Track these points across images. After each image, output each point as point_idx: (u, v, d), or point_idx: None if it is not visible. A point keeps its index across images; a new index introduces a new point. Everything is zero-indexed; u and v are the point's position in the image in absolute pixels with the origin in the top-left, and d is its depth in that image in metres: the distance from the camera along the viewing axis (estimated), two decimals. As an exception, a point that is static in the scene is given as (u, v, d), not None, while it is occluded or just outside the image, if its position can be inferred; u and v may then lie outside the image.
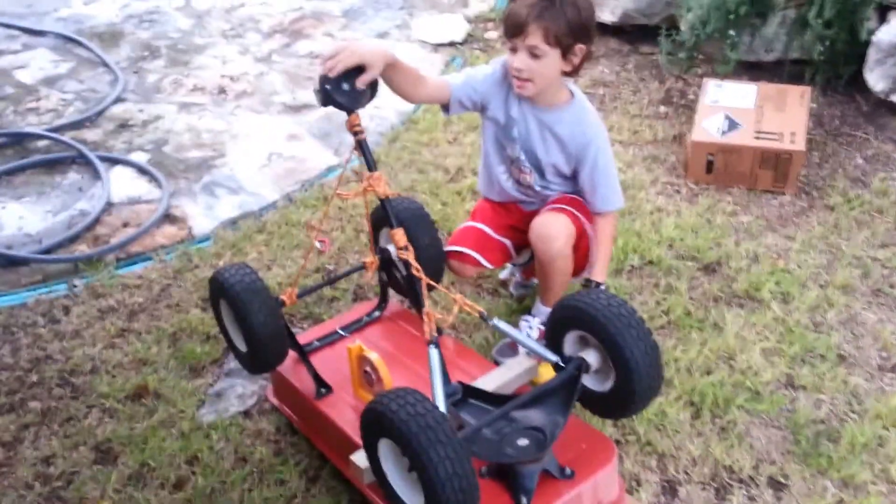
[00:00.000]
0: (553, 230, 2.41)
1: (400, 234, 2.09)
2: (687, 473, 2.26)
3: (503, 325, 2.08)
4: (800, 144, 3.24)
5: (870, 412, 2.41)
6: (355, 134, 2.10)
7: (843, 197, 3.27)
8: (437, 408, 1.71)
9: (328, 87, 2.04)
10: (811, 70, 3.78)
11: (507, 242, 2.61)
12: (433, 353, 1.98)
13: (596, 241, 2.53)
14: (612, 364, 1.92)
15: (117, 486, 2.27)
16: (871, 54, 3.50)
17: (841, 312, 2.76)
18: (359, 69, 2.06)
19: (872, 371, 2.56)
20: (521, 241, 2.61)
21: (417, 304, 2.10)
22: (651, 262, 2.97)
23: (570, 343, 2.03)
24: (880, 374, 2.55)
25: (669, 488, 2.23)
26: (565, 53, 2.27)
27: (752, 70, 3.96)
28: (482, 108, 2.45)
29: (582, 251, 2.50)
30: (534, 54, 2.25)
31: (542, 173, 2.51)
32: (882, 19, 3.56)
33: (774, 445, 2.33)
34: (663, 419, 2.39)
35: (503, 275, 2.92)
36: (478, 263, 2.56)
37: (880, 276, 2.91)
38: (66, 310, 2.87)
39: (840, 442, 2.33)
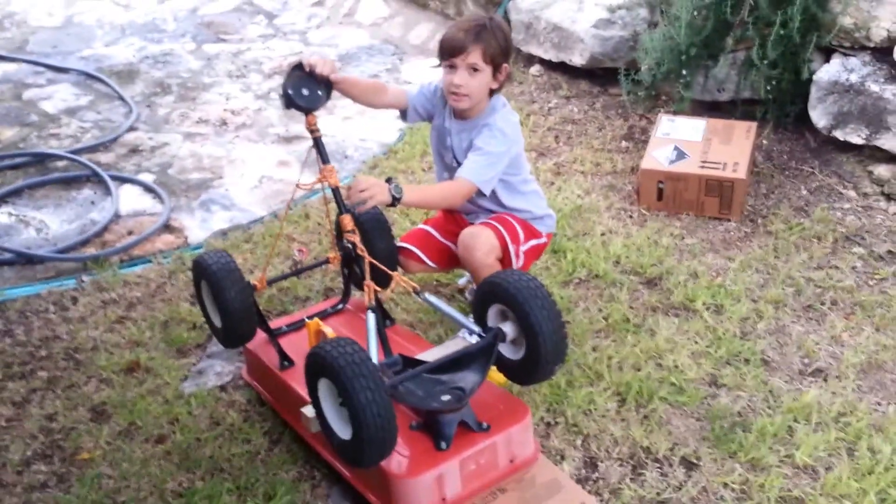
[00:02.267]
0: (474, 241, 2.79)
1: (347, 219, 2.53)
2: (607, 452, 2.60)
3: (433, 300, 2.50)
4: (741, 173, 3.62)
5: (783, 407, 2.73)
6: (312, 132, 2.59)
7: (786, 224, 3.63)
8: (364, 351, 2.12)
9: (290, 92, 2.54)
10: (762, 108, 4.14)
11: (452, 246, 2.97)
12: (370, 317, 2.40)
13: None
14: (522, 329, 2.31)
15: (109, 439, 2.70)
16: (814, 93, 3.85)
17: (770, 324, 3.10)
18: (316, 77, 2.57)
19: (793, 374, 2.88)
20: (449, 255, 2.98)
21: (361, 277, 2.52)
22: (597, 276, 3.34)
23: (492, 317, 2.41)
24: (800, 377, 2.88)
25: (590, 463, 2.57)
26: (495, 72, 2.73)
27: (708, 108, 4.35)
28: (430, 118, 2.90)
29: (505, 266, 2.84)
30: (473, 70, 2.70)
31: None
32: (827, 60, 3.94)
33: (691, 432, 2.66)
34: (591, 406, 2.74)
35: (461, 282, 3.31)
36: (420, 260, 2.96)
37: (812, 293, 3.24)
38: (74, 300, 3.34)
39: (752, 431, 2.64)
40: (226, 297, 2.58)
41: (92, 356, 3.05)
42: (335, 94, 2.67)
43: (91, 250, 3.65)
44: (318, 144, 2.61)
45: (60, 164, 4.30)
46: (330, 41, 5.71)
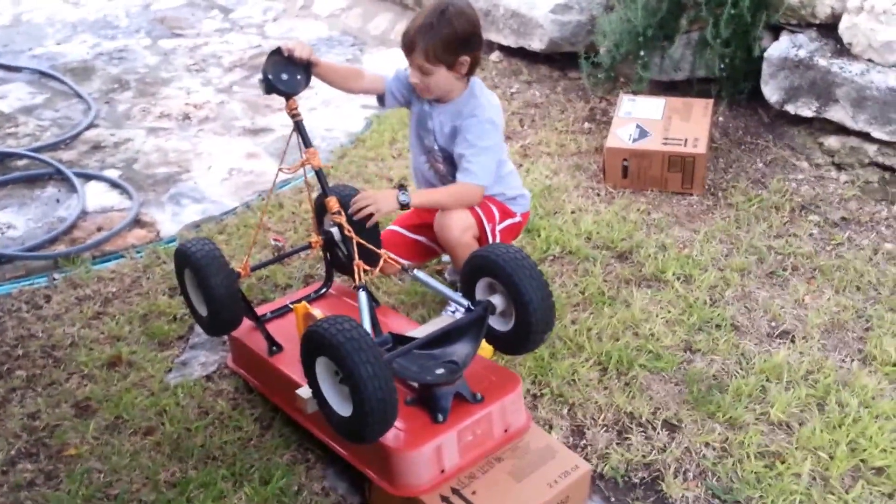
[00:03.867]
0: (449, 221, 2.81)
1: (333, 202, 2.54)
2: (593, 419, 2.66)
3: (422, 276, 2.52)
4: (701, 148, 3.73)
5: (755, 368, 2.84)
6: (293, 116, 2.60)
7: (745, 196, 3.74)
8: (361, 327, 2.14)
9: (270, 76, 2.54)
10: (717, 86, 4.26)
11: (423, 239, 3.02)
12: (361, 295, 2.41)
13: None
14: (511, 301, 2.35)
15: (95, 434, 2.64)
16: (765, 69, 3.97)
17: (737, 291, 3.20)
18: (295, 62, 2.58)
19: (761, 338, 2.99)
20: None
21: (344, 260, 2.53)
22: (570, 252, 3.40)
23: (480, 290, 2.45)
24: (768, 339, 2.99)
25: (577, 431, 2.63)
26: (450, 66, 2.73)
27: (665, 88, 4.45)
28: (408, 103, 2.91)
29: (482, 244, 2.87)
30: (422, 71, 2.73)
31: (453, 164, 2.90)
32: (776, 38, 4.06)
33: (671, 396, 2.74)
34: (574, 376, 2.80)
35: (444, 258, 3.30)
36: (394, 262, 3.00)
37: (774, 260, 3.36)
38: (48, 298, 3.26)
39: (727, 392, 2.75)
40: (211, 285, 2.55)
41: (71, 353, 2.99)
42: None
43: (61, 248, 3.57)
44: (299, 128, 2.61)
45: (21, 162, 4.21)
46: (288, 34, 5.67)
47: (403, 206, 2.64)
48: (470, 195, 2.83)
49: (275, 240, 3.35)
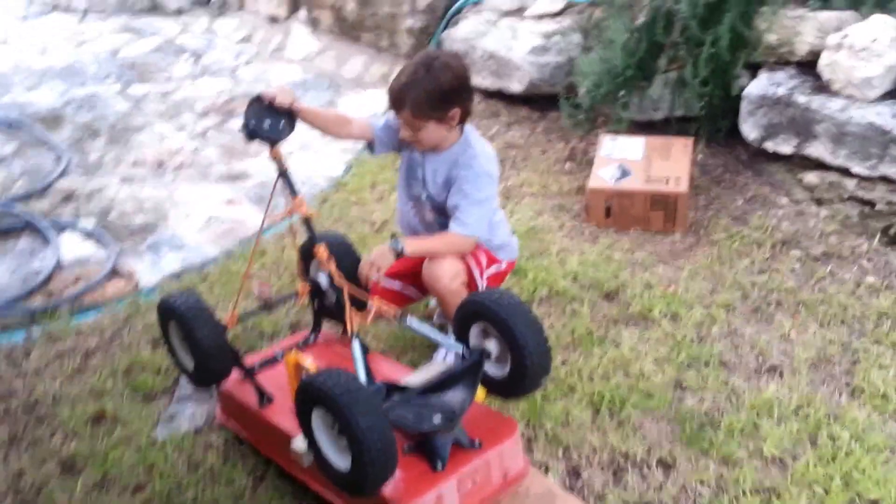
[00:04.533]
0: (438, 270, 2.84)
1: (322, 249, 2.58)
2: (588, 460, 2.70)
3: (415, 323, 2.56)
4: (683, 187, 3.81)
5: (746, 404, 2.89)
6: (279, 164, 2.63)
7: (726, 233, 3.82)
8: (357, 379, 2.17)
9: (252, 123, 2.58)
10: (695, 125, 4.35)
11: (397, 285, 3.04)
12: (355, 344, 2.45)
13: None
14: (506, 345, 2.39)
15: (83, 493, 2.64)
16: (744, 107, 4.06)
17: (723, 327, 3.26)
18: (278, 108, 2.62)
19: (750, 373, 3.05)
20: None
21: (340, 307, 2.56)
22: (558, 293, 3.46)
23: (474, 336, 2.50)
24: (756, 375, 3.05)
25: (574, 472, 2.66)
26: (440, 120, 2.76)
27: (644, 128, 4.51)
28: (398, 149, 2.96)
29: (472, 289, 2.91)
30: (412, 127, 2.77)
31: (441, 213, 2.94)
32: (753, 76, 4.15)
33: (664, 435, 2.79)
34: (568, 417, 2.84)
35: (431, 304, 3.37)
36: (397, 292, 3.02)
37: (758, 296, 3.43)
38: (27, 353, 3.26)
39: (720, 428, 2.79)
40: (198, 337, 2.57)
41: (54, 409, 2.98)
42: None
43: (37, 301, 3.57)
44: (285, 176, 2.65)
45: (-9, 215, 4.20)
46: (261, 77, 5.74)
47: (399, 254, 2.69)
48: (462, 246, 2.87)
49: (260, 285, 3.37)
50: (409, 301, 3.12)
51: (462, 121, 2.83)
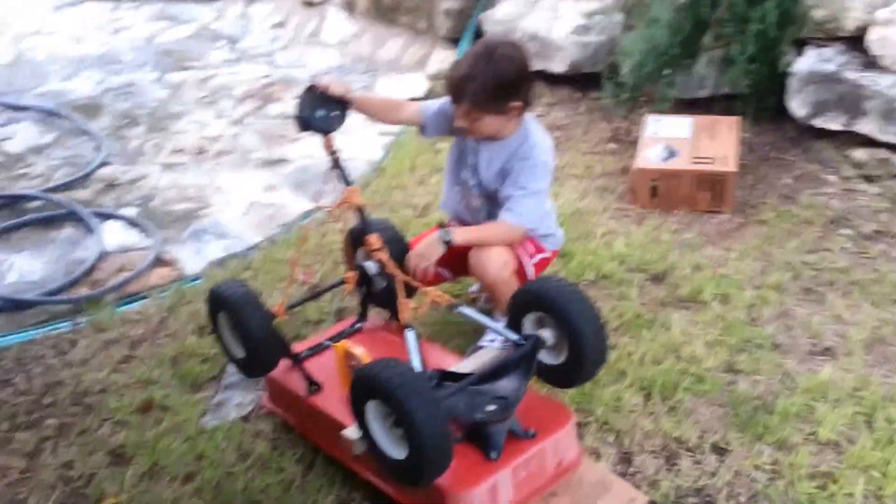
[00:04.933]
0: (487, 259, 2.77)
1: (374, 238, 2.53)
2: (640, 445, 2.64)
3: (469, 311, 2.51)
4: (731, 166, 3.74)
5: (800, 387, 2.81)
6: (331, 154, 2.58)
7: (775, 212, 3.75)
8: (413, 369, 2.13)
9: (305, 114, 2.53)
10: (741, 102, 4.27)
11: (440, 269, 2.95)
12: (409, 334, 2.40)
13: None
14: (563, 333, 2.34)
15: (132, 482, 2.61)
16: (792, 84, 4.00)
17: (775, 308, 3.19)
18: (330, 98, 2.57)
19: (803, 356, 2.97)
20: (459, 262, 2.91)
21: (393, 297, 2.51)
22: (605, 276, 3.40)
23: (528, 324, 2.44)
24: (810, 357, 2.97)
25: (625, 458, 2.61)
26: (500, 112, 2.68)
27: (689, 106, 4.44)
28: (451, 133, 2.89)
29: (521, 281, 2.84)
30: (470, 118, 2.69)
31: (490, 201, 2.89)
32: (799, 53, 4.09)
33: (717, 419, 2.72)
34: (619, 402, 2.78)
35: (471, 290, 3.33)
36: (440, 298, 2.95)
37: (809, 276, 3.35)
38: (73, 343, 3.25)
39: (774, 412, 2.73)
40: (249, 328, 2.55)
41: (101, 399, 2.97)
42: None
43: (83, 290, 3.57)
44: (338, 166, 2.60)
45: (34, 204, 4.21)
46: (298, 62, 5.73)
47: (447, 244, 2.66)
48: (511, 235, 2.82)
49: (303, 273, 3.34)
50: (441, 281, 3.05)
51: (522, 112, 2.75)
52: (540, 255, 2.97)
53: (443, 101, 2.84)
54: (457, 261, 2.93)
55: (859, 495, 2.45)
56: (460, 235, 2.73)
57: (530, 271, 2.92)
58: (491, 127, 2.74)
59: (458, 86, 2.65)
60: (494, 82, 2.62)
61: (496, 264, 2.77)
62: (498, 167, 2.82)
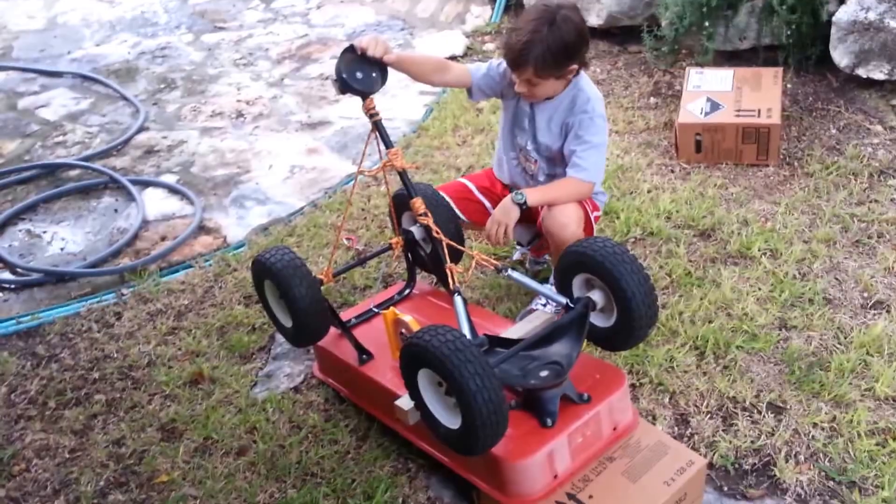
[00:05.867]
0: (566, 217, 2.70)
1: (419, 203, 2.46)
2: (696, 406, 2.59)
3: (516, 275, 2.44)
4: (776, 118, 3.61)
5: (855, 342, 2.74)
6: (371, 116, 2.49)
7: (821, 164, 3.63)
8: (465, 337, 2.05)
9: (344, 76, 2.45)
10: (783, 53, 4.14)
11: (487, 203, 2.92)
12: (457, 300, 2.34)
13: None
14: (612, 297, 2.26)
15: (185, 458, 2.57)
16: (834, 33, 3.85)
17: (825, 262, 3.10)
18: (369, 59, 2.47)
19: (856, 310, 2.89)
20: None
21: (440, 261, 2.44)
22: (652, 233, 3.31)
23: (577, 286, 2.37)
24: (863, 311, 2.89)
25: (682, 420, 2.56)
26: (560, 76, 2.63)
27: (730, 59, 4.32)
28: (501, 96, 2.81)
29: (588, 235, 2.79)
30: (530, 83, 2.62)
31: (552, 162, 2.82)
32: (841, 1, 3.92)
33: (772, 377, 2.66)
34: (672, 363, 2.72)
35: (516, 256, 3.26)
36: (487, 262, 2.89)
37: (858, 229, 3.25)
38: (118, 315, 3.20)
39: (829, 369, 2.66)
40: (296, 296, 2.47)
41: (150, 372, 2.92)
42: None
43: (125, 261, 3.51)
44: (378, 128, 2.51)
45: (73, 173, 4.14)
46: (334, 21, 5.60)
47: (521, 206, 2.62)
48: (582, 191, 2.76)
49: (347, 238, 3.27)
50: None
51: (578, 72, 2.69)
52: (595, 213, 2.91)
53: (491, 64, 2.78)
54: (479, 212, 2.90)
55: (919, 452, 2.39)
56: (533, 196, 2.67)
57: (595, 228, 2.87)
58: (550, 90, 2.69)
59: (521, 53, 2.56)
60: (558, 47, 2.55)
61: (575, 221, 2.71)
62: (558, 124, 2.75)
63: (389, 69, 2.56)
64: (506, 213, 2.65)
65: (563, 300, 2.38)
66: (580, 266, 2.33)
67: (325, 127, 4.40)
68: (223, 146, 4.32)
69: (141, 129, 4.49)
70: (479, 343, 2.32)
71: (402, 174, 2.51)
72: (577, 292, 2.38)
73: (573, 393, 2.29)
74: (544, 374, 2.25)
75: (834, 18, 3.85)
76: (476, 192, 2.95)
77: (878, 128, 3.82)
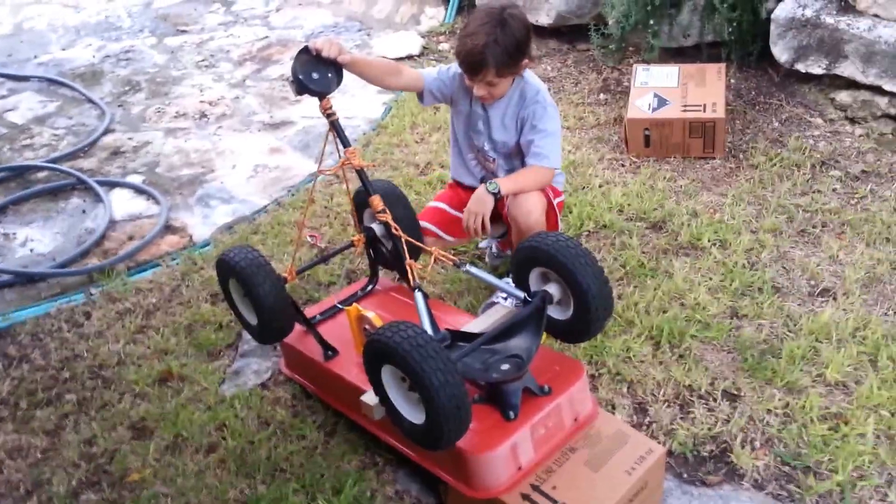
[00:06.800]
0: (530, 204, 2.63)
1: (377, 200, 2.35)
2: (654, 395, 2.51)
3: (475, 270, 2.34)
4: (720, 112, 3.55)
5: (804, 330, 2.68)
6: (328, 116, 2.38)
7: (766, 156, 3.57)
8: (427, 333, 1.94)
9: (300, 77, 2.32)
10: (725, 49, 4.08)
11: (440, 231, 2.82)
12: (418, 296, 2.24)
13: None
14: (569, 291, 2.17)
15: (156, 456, 2.44)
16: (773, 30, 3.79)
17: (772, 252, 3.04)
18: (325, 60, 2.36)
19: (804, 298, 2.84)
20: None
21: (400, 258, 2.33)
22: (605, 226, 3.23)
23: (534, 280, 2.27)
24: (811, 299, 2.83)
25: (640, 409, 2.48)
26: (514, 73, 2.57)
27: (675, 55, 4.25)
28: (451, 102, 2.72)
29: (551, 223, 2.72)
30: (490, 84, 2.55)
31: (508, 157, 2.73)
32: (779, -1, 3.89)
33: (726, 365, 2.59)
34: (629, 353, 2.64)
35: (482, 245, 3.16)
36: (436, 235, 2.80)
37: (803, 219, 3.20)
38: (87, 315, 3.04)
39: (781, 356, 2.59)
40: (260, 294, 2.34)
41: (120, 371, 2.77)
42: None
43: (93, 261, 3.34)
44: (335, 127, 2.40)
45: (41, 175, 3.95)
46: (293, 23, 5.44)
47: (496, 196, 2.55)
48: (546, 177, 2.70)
49: (311, 236, 3.14)
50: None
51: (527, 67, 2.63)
52: (558, 199, 2.84)
53: (442, 69, 2.69)
54: (459, 227, 2.77)
55: (871, 435, 2.34)
56: (506, 185, 2.60)
57: (559, 214, 2.81)
58: (505, 88, 2.61)
59: (479, 57, 2.48)
60: (513, 45, 2.49)
61: (539, 208, 2.65)
62: (512, 119, 2.67)
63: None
64: (481, 203, 2.57)
65: (521, 294, 2.28)
66: (535, 261, 2.23)
67: (287, 126, 4.25)
68: (187, 146, 4.15)
69: (107, 131, 4.31)
70: (441, 338, 2.21)
71: (360, 172, 2.40)
72: (534, 286, 2.28)
73: (534, 385, 2.19)
74: (505, 367, 2.14)
75: (773, 15, 3.79)
76: (451, 211, 2.85)
77: (819, 120, 3.77)
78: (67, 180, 3.87)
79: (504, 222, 2.80)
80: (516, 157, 2.73)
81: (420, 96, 2.71)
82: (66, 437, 2.54)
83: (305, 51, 2.38)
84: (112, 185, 3.84)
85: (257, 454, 2.41)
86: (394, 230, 2.35)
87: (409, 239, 2.34)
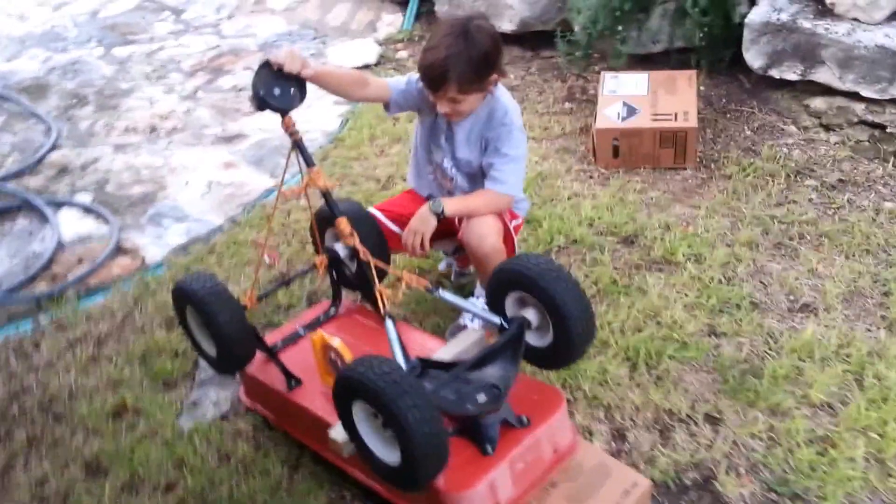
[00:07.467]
0: (483, 229, 2.52)
1: (344, 223, 2.25)
2: (632, 420, 2.43)
3: (448, 295, 2.26)
4: (692, 121, 3.48)
5: (785, 348, 2.62)
6: (291, 135, 2.27)
7: (738, 166, 3.51)
8: (401, 368, 1.86)
9: (262, 93, 2.21)
10: (695, 56, 4.02)
11: (398, 230, 2.66)
12: (389, 324, 2.14)
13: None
14: (548, 316, 2.09)
15: (112, 496, 2.34)
16: (747, 35, 3.74)
17: (749, 266, 2.98)
18: (287, 75, 2.24)
19: (783, 314, 2.77)
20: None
21: (368, 284, 2.23)
22: (575, 241, 3.15)
23: (510, 305, 2.19)
24: (790, 315, 2.77)
25: (619, 435, 2.40)
26: (480, 89, 2.45)
27: (643, 62, 4.18)
28: (418, 111, 2.62)
29: (508, 249, 2.61)
30: (453, 101, 2.44)
31: (472, 178, 2.64)
32: (753, 2, 3.82)
33: (706, 387, 2.52)
34: (605, 375, 2.56)
35: (441, 267, 3.07)
36: (417, 282, 2.68)
37: (779, 230, 3.13)
38: (36, 345, 2.92)
39: (763, 376, 2.53)
40: (219, 323, 2.23)
41: (71, 405, 2.65)
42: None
43: (42, 286, 3.21)
44: (299, 146, 2.29)
45: (-15, 194, 3.79)
46: (246, 31, 5.30)
47: (439, 216, 2.45)
48: (500, 204, 2.58)
49: (269, 256, 3.03)
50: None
51: (497, 82, 2.51)
52: (515, 222, 2.73)
53: (410, 78, 2.57)
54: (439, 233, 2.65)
55: (860, 459, 2.27)
56: (451, 206, 2.49)
57: (517, 237, 2.70)
58: (473, 105, 2.50)
59: (440, 71, 2.36)
60: (478, 59, 2.37)
61: (494, 233, 2.54)
62: (476, 137, 2.57)
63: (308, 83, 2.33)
64: (423, 222, 2.47)
65: (497, 320, 2.20)
66: (512, 284, 2.15)
67: (241, 140, 4.13)
68: (138, 162, 4.01)
69: (54, 147, 4.15)
70: (411, 367, 2.12)
71: (326, 194, 2.29)
72: (510, 311, 2.20)
73: (512, 417, 2.11)
74: (482, 398, 2.06)
75: (746, 20, 3.73)
76: (386, 222, 2.70)
77: (792, 128, 3.72)
78: (12, 201, 3.71)
79: (457, 240, 2.69)
80: (480, 179, 2.63)
81: (386, 106, 2.60)
82: (16, 478, 2.43)
83: (266, 65, 2.26)
84: (60, 204, 3.69)
85: (218, 492, 2.31)
86: (362, 255, 2.25)
87: (378, 263, 2.25)
